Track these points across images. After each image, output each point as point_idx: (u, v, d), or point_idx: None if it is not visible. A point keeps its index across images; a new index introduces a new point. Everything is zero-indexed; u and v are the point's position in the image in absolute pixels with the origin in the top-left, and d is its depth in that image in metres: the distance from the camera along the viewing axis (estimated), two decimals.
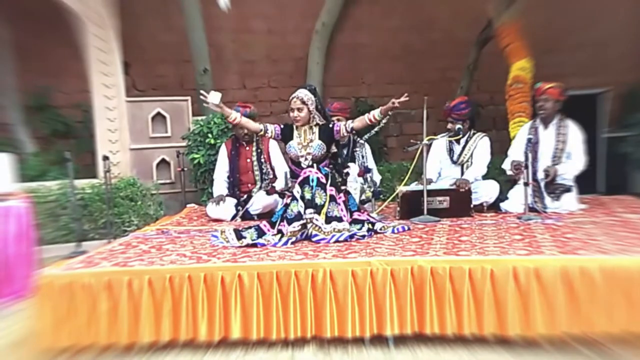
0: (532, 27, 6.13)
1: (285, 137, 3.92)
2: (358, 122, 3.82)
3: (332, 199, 3.70)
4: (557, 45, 7.71)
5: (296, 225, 3.56)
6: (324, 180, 3.70)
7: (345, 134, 3.86)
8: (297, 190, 3.67)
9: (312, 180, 3.67)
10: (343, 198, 3.84)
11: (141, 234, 4.06)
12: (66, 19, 5.93)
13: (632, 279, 2.66)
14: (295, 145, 3.85)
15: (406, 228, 3.82)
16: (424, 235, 3.53)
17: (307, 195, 3.63)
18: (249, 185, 4.91)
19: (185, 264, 2.98)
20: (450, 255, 2.90)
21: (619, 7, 7.83)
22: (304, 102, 3.79)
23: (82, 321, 2.81)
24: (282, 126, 3.95)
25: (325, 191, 3.68)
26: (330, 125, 3.86)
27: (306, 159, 3.82)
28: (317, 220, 3.55)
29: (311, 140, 3.83)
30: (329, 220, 3.59)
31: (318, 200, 3.62)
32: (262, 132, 3.95)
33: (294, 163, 3.92)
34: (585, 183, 4.79)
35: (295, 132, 3.89)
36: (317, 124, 3.88)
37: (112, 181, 5.40)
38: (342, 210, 3.72)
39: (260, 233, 3.67)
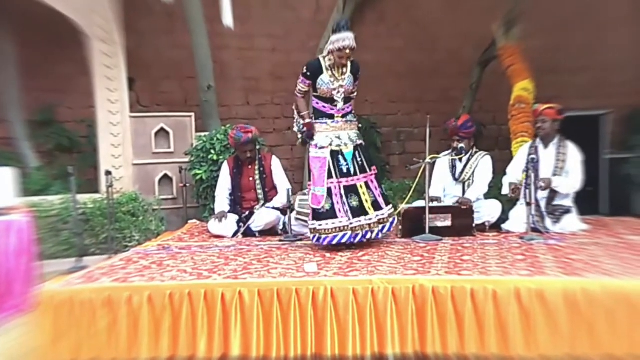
0: (535, 49, 6.15)
1: (313, 77, 3.86)
2: None
3: (369, 187, 3.90)
4: (560, 67, 7.73)
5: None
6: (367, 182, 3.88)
7: None
8: (343, 202, 3.76)
9: (361, 187, 3.84)
10: (373, 174, 3.96)
11: (142, 249, 4.05)
12: (73, 35, 5.99)
13: (636, 302, 2.64)
14: (328, 79, 3.82)
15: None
16: (425, 254, 3.52)
17: (355, 204, 3.78)
18: (252, 202, 4.89)
19: (186, 280, 2.98)
20: (452, 275, 2.90)
21: (622, 31, 7.88)
22: (353, 50, 3.73)
23: (81, 337, 2.81)
24: (307, 72, 3.86)
25: (371, 190, 3.87)
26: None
27: (339, 92, 3.84)
28: (369, 220, 3.79)
29: (343, 73, 3.85)
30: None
31: (366, 205, 3.81)
32: (303, 96, 4.04)
33: (325, 100, 3.90)
34: (588, 204, 4.78)
35: (325, 65, 3.84)
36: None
37: (115, 196, 5.40)
38: (376, 189, 3.90)
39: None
